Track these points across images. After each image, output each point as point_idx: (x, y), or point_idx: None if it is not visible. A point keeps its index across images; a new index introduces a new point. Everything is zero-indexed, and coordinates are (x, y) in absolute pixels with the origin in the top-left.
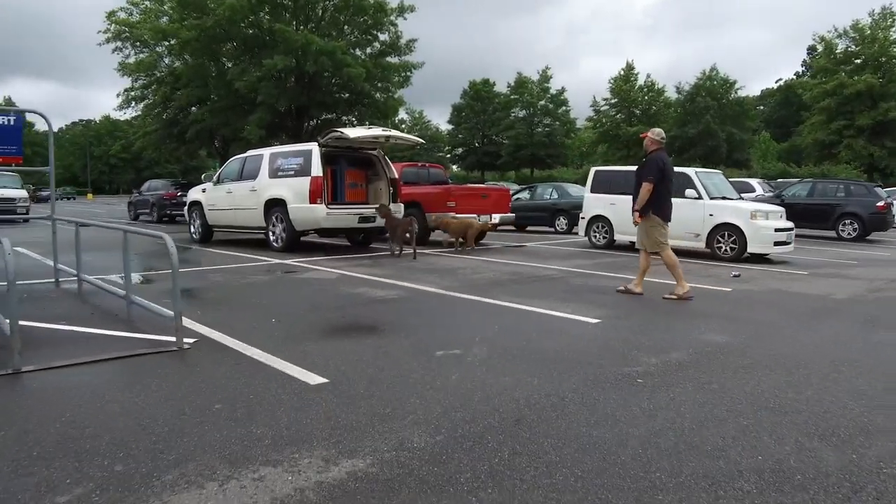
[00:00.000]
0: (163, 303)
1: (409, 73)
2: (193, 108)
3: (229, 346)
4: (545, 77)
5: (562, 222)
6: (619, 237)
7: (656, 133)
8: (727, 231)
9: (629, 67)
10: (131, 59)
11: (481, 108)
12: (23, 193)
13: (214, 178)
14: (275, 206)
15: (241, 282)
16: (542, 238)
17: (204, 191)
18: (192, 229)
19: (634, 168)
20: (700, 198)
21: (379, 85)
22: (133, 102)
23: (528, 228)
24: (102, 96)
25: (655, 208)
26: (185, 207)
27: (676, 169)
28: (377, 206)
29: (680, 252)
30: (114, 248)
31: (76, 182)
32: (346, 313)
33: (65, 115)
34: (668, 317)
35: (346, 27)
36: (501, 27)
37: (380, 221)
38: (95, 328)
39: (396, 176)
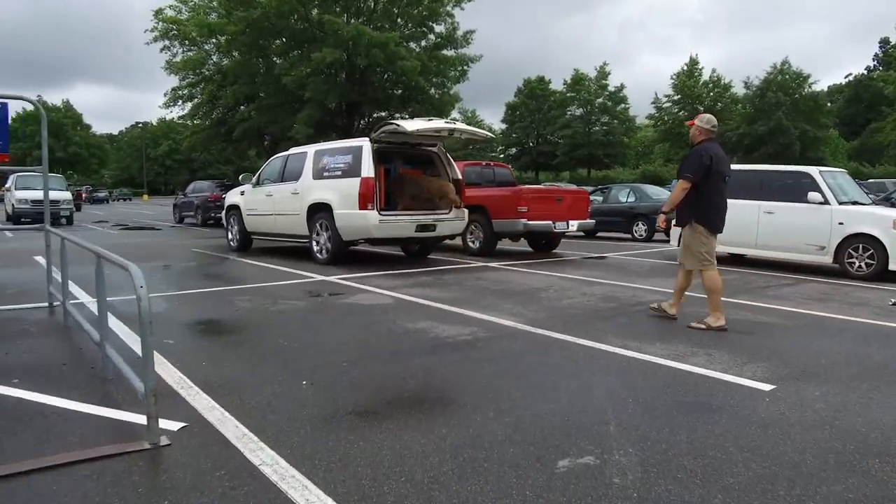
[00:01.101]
0: (162, 347)
1: (465, 67)
2: (241, 106)
3: (231, 441)
4: (603, 74)
5: (640, 228)
6: (726, 249)
7: (705, 120)
8: (862, 243)
9: (693, 62)
10: (179, 58)
11: (536, 106)
12: (66, 195)
13: (254, 179)
14: (319, 212)
15: (272, 308)
16: (619, 247)
17: (242, 193)
18: (230, 236)
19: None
20: (826, 202)
21: (434, 80)
22: (179, 101)
23: (599, 235)
24: (159, 98)
25: (699, 214)
26: (223, 212)
27: (794, 168)
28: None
29: (799, 268)
30: (143, 258)
31: (133, 183)
32: (407, 368)
33: (125, 118)
34: (873, 377)
35: (399, 19)
36: (555, 26)
37: (443, 229)
38: (53, 394)
39: (460, 176)
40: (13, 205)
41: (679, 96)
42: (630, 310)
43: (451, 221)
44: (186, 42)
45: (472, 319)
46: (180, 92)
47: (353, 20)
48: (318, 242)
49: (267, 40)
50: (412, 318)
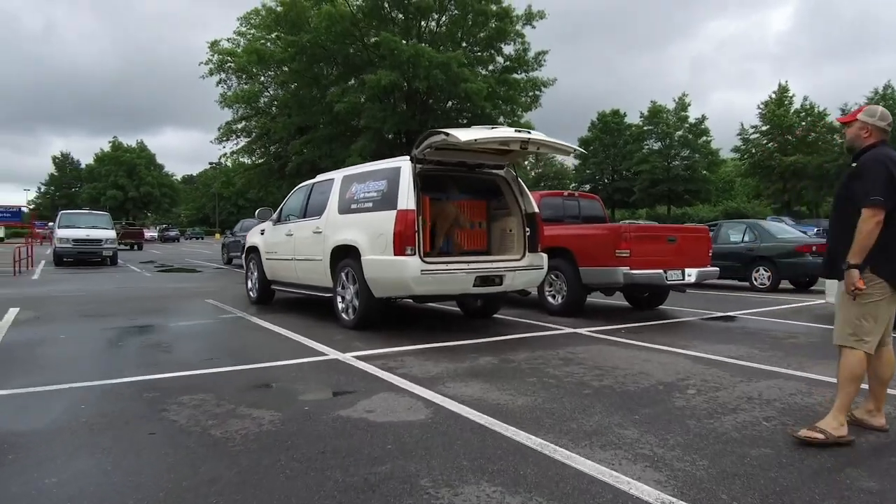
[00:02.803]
0: None
1: (537, 92)
2: (294, 139)
3: None
4: (683, 105)
5: (762, 275)
6: None
7: (877, 114)
8: None
9: (783, 90)
10: (233, 92)
11: (611, 140)
12: (109, 234)
13: (275, 214)
14: (345, 257)
15: (214, 432)
16: (742, 301)
17: (263, 233)
18: (249, 285)
19: None
20: None
21: (503, 106)
22: (233, 136)
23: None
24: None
25: (879, 258)
26: (243, 255)
27: None
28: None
29: None
30: (134, 311)
31: (207, 222)
32: None
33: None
34: None
35: (463, 42)
36: (626, 64)
37: (513, 281)
38: None
39: (536, 209)
40: (54, 245)
41: (767, 126)
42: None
43: (524, 271)
44: (242, 75)
45: (576, 477)
46: (234, 126)
47: (413, 41)
48: (343, 298)
49: (319, 67)
50: (457, 473)
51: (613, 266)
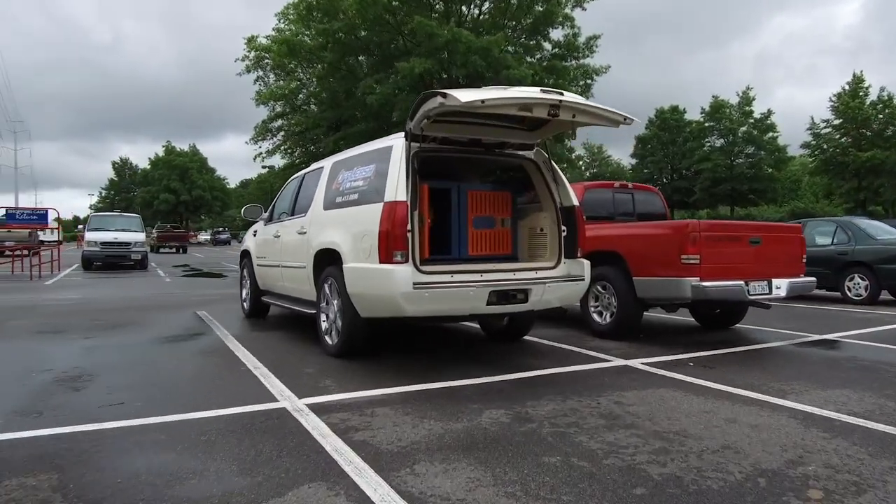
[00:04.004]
0: None
1: (589, 81)
2: (329, 137)
3: None
4: (747, 99)
5: (858, 285)
6: None
7: None
8: None
9: (858, 80)
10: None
11: (670, 138)
12: (138, 237)
13: (267, 212)
14: (329, 264)
15: None
16: (835, 316)
17: (255, 234)
18: (242, 295)
19: None
20: None
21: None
22: (269, 134)
23: None
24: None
25: None
26: (239, 260)
27: None
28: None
29: None
30: (102, 326)
31: None
32: None
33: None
34: None
35: (507, 28)
36: (686, 62)
37: (544, 297)
38: None
39: (576, 203)
40: (83, 248)
41: (840, 120)
42: None
43: (558, 284)
44: (279, 71)
45: None
46: (269, 125)
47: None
48: (326, 317)
49: (354, 58)
50: None
51: (678, 276)
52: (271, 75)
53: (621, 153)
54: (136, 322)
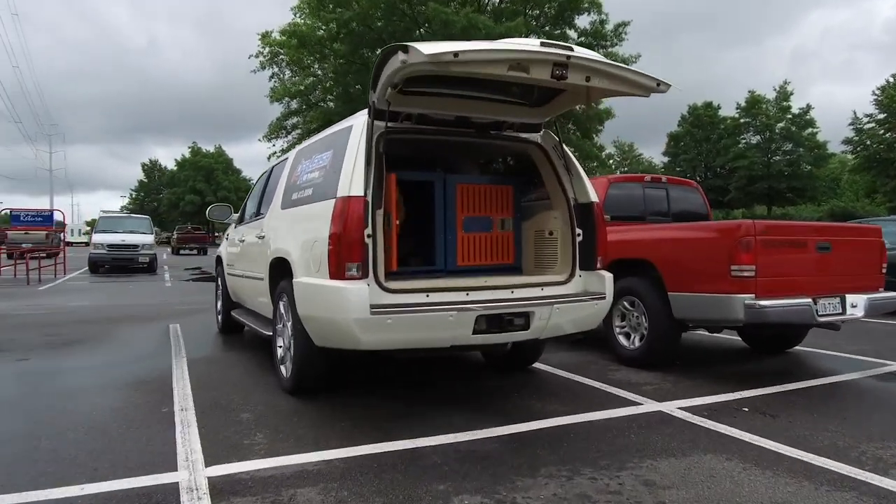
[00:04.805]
0: None
1: None
2: None
3: None
4: (784, 94)
5: None
6: None
7: None
8: None
9: None
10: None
11: (703, 135)
12: (146, 239)
13: (239, 212)
14: (282, 278)
15: None
16: None
17: (227, 237)
18: (217, 307)
19: None
20: None
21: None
22: (283, 132)
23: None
24: None
25: None
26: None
27: None
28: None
29: None
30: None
31: None
32: None
33: None
34: None
35: (531, 18)
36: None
37: (553, 321)
38: None
39: (594, 198)
40: (90, 251)
41: (885, 114)
42: None
43: (571, 304)
44: (294, 67)
45: None
46: (284, 122)
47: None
48: (281, 342)
49: (368, 50)
50: None
51: (727, 292)
52: (287, 71)
53: (653, 151)
54: (94, 338)
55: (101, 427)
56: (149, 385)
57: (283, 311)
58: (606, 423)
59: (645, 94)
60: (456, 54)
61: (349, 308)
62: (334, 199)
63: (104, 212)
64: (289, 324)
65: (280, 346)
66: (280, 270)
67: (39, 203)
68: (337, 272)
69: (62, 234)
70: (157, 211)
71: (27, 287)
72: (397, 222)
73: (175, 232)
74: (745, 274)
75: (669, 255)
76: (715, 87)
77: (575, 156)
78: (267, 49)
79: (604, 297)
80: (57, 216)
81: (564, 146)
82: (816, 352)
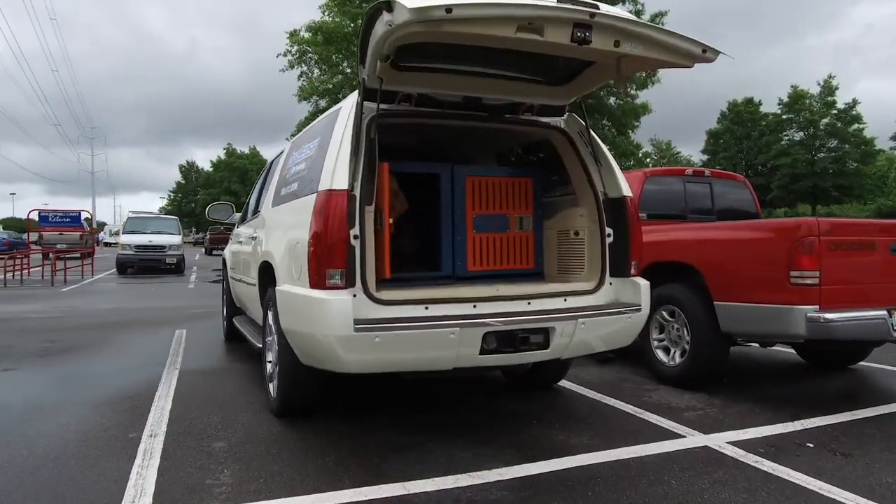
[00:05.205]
0: None
1: None
2: None
3: None
4: (829, 89)
5: None
6: None
7: None
8: None
9: None
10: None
11: (744, 132)
12: (173, 240)
13: (243, 210)
14: (270, 284)
15: None
16: None
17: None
18: (224, 312)
19: None
20: None
21: (611, 83)
22: None
23: None
24: None
25: None
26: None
27: None
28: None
29: None
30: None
31: None
32: None
33: None
34: None
35: None
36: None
37: (577, 338)
38: None
39: (628, 193)
40: (118, 252)
41: None
42: None
43: (599, 318)
44: (324, 66)
45: None
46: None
47: None
48: (270, 355)
49: None
50: None
51: (786, 302)
52: (315, 70)
53: (691, 149)
54: (93, 345)
55: (56, 457)
56: (129, 401)
57: (271, 321)
58: (641, 462)
59: (688, 64)
60: (449, 9)
61: (329, 323)
62: (315, 195)
63: (133, 212)
64: (276, 336)
65: (269, 361)
66: (267, 276)
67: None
68: (317, 280)
69: (98, 235)
70: (194, 212)
71: (51, 288)
72: (391, 221)
73: (208, 232)
74: (808, 281)
75: (716, 259)
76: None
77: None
78: (295, 47)
79: (639, 309)
80: (84, 216)
81: (592, 132)
82: (886, 369)
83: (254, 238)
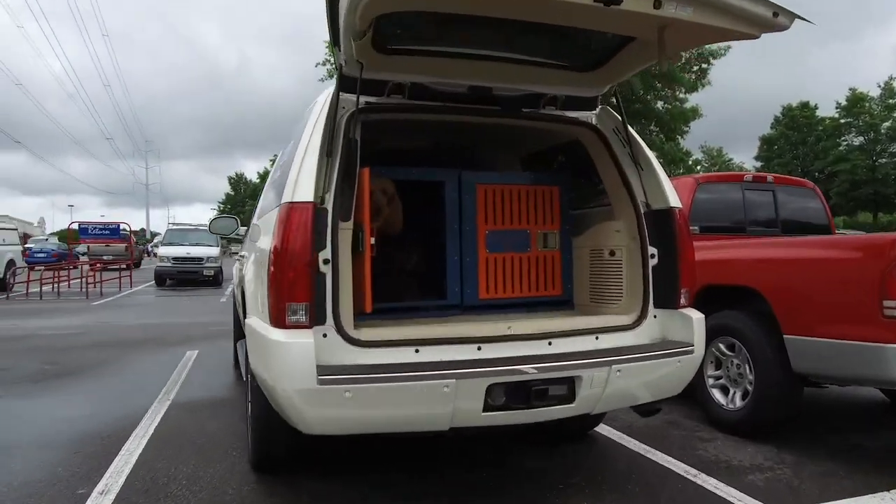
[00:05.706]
0: None
1: (704, 66)
2: None
3: None
4: (890, 91)
5: None
6: None
7: None
8: None
9: None
10: None
11: (800, 137)
12: (213, 252)
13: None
14: (245, 313)
15: None
16: None
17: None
18: (235, 334)
19: None
20: None
21: (659, 87)
22: None
23: None
24: None
25: None
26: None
27: None
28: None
29: None
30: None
31: None
32: None
33: None
34: None
35: None
36: (815, 56)
37: (607, 388)
38: None
39: (675, 203)
40: (156, 264)
41: None
42: None
43: (641, 364)
44: None
45: None
46: None
47: None
48: (250, 394)
49: None
50: None
51: (877, 340)
52: None
53: (743, 156)
54: (93, 368)
55: None
56: (100, 443)
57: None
58: None
59: (754, 34)
60: None
61: (285, 373)
62: (279, 205)
63: (172, 224)
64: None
65: (250, 402)
66: (244, 303)
67: (138, 216)
68: (276, 316)
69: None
70: (245, 223)
71: (84, 301)
72: (372, 240)
73: None
74: None
75: (785, 283)
76: (810, 86)
77: (655, 157)
78: (333, 57)
79: (691, 351)
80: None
81: (630, 129)
82: None
83: (242, 256)
